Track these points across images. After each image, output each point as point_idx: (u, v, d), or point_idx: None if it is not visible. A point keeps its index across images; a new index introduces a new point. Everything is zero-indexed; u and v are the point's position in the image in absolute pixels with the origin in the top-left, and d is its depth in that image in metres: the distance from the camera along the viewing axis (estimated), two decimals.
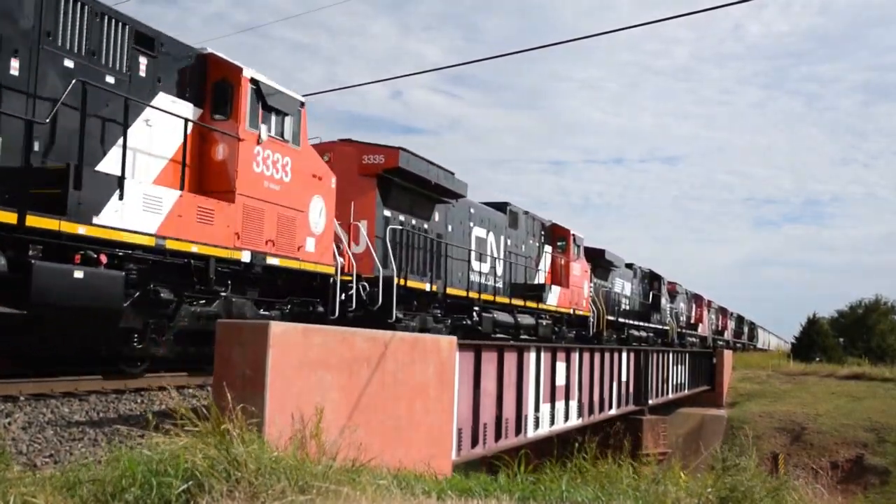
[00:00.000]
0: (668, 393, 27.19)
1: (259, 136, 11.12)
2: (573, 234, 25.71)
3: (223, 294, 10.54)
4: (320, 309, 12.45)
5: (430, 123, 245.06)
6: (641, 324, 34.90)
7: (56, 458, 6.53)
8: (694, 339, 46.31)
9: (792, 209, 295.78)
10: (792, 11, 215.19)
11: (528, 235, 23.28)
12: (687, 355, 31.68)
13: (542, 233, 24.45)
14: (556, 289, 23.86)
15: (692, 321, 48.67)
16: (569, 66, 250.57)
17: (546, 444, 15.74)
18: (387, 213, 15.36)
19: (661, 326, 38.22)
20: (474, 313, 18.17)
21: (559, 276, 24.95)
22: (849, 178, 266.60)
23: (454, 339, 10.63)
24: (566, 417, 16.97)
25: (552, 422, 16.14)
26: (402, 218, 15.83)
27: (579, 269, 26.27)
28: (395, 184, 15.49)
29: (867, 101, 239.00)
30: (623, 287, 34.01)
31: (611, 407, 20.43)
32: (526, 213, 23.14)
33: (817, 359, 47.16)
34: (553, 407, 16.16)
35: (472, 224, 19.32)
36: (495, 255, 20.56)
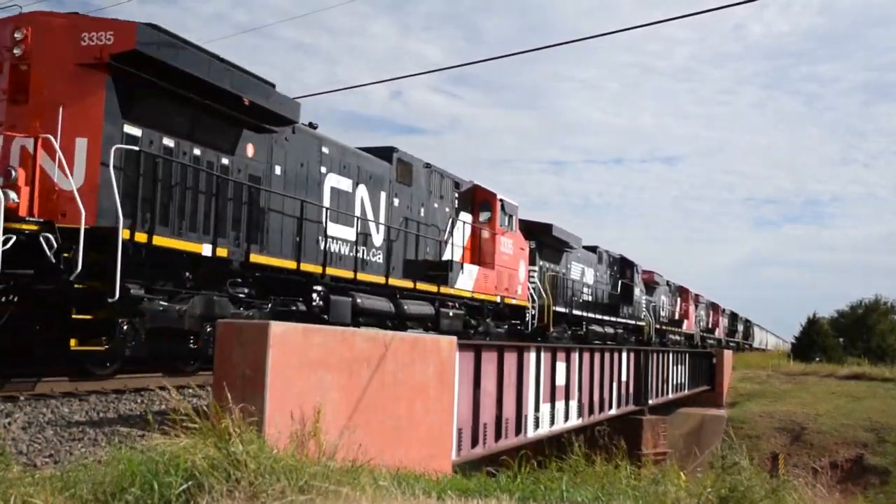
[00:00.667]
0: (668, 393, 27.19)
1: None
2: (501, 199, 20.19)
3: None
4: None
5: (431, 123, 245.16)
6: (607, 318, 29.70)
7: (56, 458, 6.53)
8: (678, 338, 42.40)
9: (792, 209, 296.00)
10: (792, 11, 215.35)
11: (433, 197, 17.86)
12: (687, 355, 31.66)
13: (456, 195, 18.95)
14: (472, 269, 18.66)
15: (676, 317, 44.20)
16: (569, 67, 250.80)
17: (546, 444, 15.75)
18: (131, 129, 9.85)
19: (633, 322, 33.21)
20: (315, 295, 13.02)
21: (479, 252, 19.59)
22: (849, 178, 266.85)
23: (454, 339, 10.63)
24: (566, 417, 16.97)
25: (552, 422, 16.14)
26: (169, 142, 10.43)
27: (512, 245, 20.91)
28: (149, 84, 10.01)
29: (867, 101, 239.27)
30: (583, 273, 28.27)
31: (611, 407, 20.44)
32: (428, 165, 17.66)
33: (817, 359, 47.16)
34: (553, 407, 16.16)
35: (323, 169, 13.79)
36: (370, 217, 15.17)
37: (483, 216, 20.10)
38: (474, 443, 12.27)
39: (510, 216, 20.96)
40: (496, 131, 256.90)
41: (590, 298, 28.93)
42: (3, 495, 4.69)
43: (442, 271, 17.09)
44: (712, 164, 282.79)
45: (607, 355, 20.23)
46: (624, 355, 21.75)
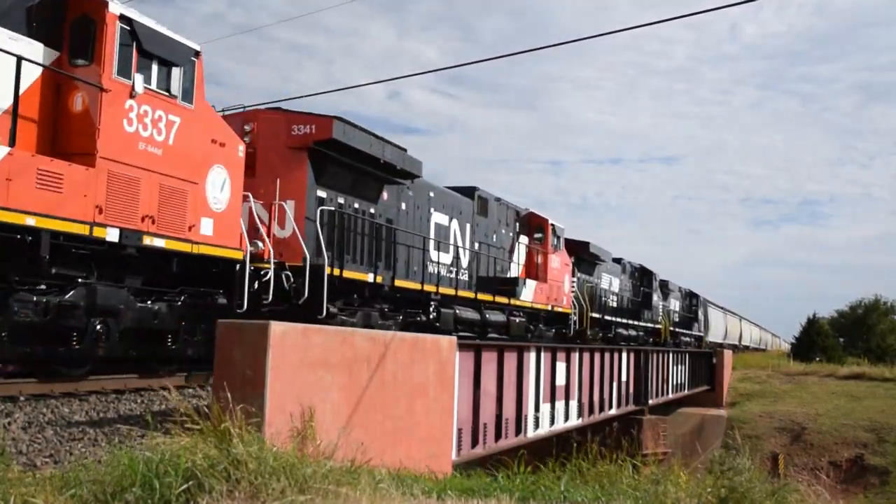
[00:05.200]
0: (668, 393, 27.21)
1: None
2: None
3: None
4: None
5: (429, 124, 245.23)
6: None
7: (56, 458, 6.53)
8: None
9: (789, 209, 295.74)
10: (788, 12, 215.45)
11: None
12: (687, 355, 31.69)
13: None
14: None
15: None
16: (566, 67, 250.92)
17: (546, 443, 15.75)
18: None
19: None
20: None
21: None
22: (846, 178, 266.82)
23: (454, 339, 10.63)
24: (566, 417, 16.98)
25: (552, 422, 16.15)
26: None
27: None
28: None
29: (864, 101, 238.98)
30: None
31: (611, 407, 20.44)
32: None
33: (817, 359, 47.12)
34: (553, 407, 16.16)
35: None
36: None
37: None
38: (474, 443, 12.27)
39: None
40: (494, 131, 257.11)
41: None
42: (3, 495, 4.69)
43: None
44: (710, 164, 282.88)
45: (607, 355, 20.23)
46: (624, 355, 21.76)
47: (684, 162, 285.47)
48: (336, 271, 12.70)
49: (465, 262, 18.66)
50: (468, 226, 19.08)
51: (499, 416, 13.34)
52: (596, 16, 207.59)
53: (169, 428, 5.69)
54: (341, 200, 13.71)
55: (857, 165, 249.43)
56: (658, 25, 10.55)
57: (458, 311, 17.08)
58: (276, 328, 6.77)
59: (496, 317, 19.11)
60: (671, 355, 28.28)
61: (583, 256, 27.67)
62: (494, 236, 20.69)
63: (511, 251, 21.77)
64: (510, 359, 13.89)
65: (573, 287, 25.68)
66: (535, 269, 22.84)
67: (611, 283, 31.81)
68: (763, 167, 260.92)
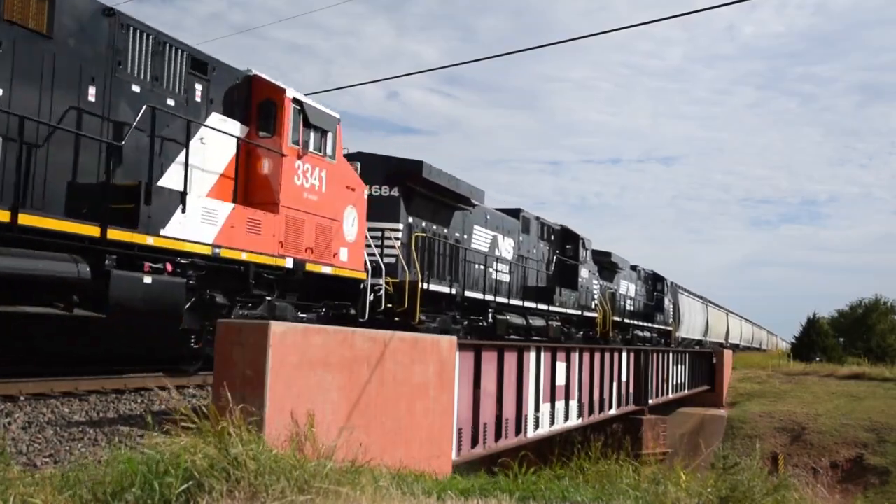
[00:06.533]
0: (668, 393, 27.20)
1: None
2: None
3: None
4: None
5: (427, 124, 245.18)
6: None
7: (56, 458, 6.52)
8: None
9: (789, 209, 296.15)
10: (787, 12, 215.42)
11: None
12: (687, 355, 31.70)
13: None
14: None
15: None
16: (564, 67, 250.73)
17: (548, 443, 15.75)
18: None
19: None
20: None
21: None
22: (845, 178, 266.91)
23: (454, 338, 10.63)
24: (566, 417, 16.97)
25: (552, 422, 16.14)
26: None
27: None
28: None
29: (863, 101, 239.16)
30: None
31: (611, 407, 20.43)
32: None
33: (817, 359, 47.12)
34: (553, 407, 16.15)
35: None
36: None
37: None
38: (474, 443, 12.26)
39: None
40: (493, 131, 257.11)
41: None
42: (3, 495, 4.68)
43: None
44: (709, 164, 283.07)
45: (607, 355, 20.21)
46: (624, 355, 21.75)
47: (683, 162, 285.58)
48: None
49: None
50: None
51: (499, 417, 13.33)
52: (593, 16, 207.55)
53: (168, 429, 5.68)
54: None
55: (857, 165, 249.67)
56: (655, 25, 10.56)
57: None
58: (276, 328, 6.76)
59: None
60: (671, 355, 28.29)
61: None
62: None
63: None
64: (510, 359, 13.88)
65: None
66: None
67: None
68: (762, 167, 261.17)
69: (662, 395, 26.21)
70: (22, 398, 8.22)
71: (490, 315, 18.93)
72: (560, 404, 16.54)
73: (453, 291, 16.91)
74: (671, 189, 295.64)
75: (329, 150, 12.49)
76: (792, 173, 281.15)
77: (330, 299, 12.70)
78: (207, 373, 10.17)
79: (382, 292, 13.78)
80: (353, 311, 12.99)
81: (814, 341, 51.92)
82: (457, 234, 18.24)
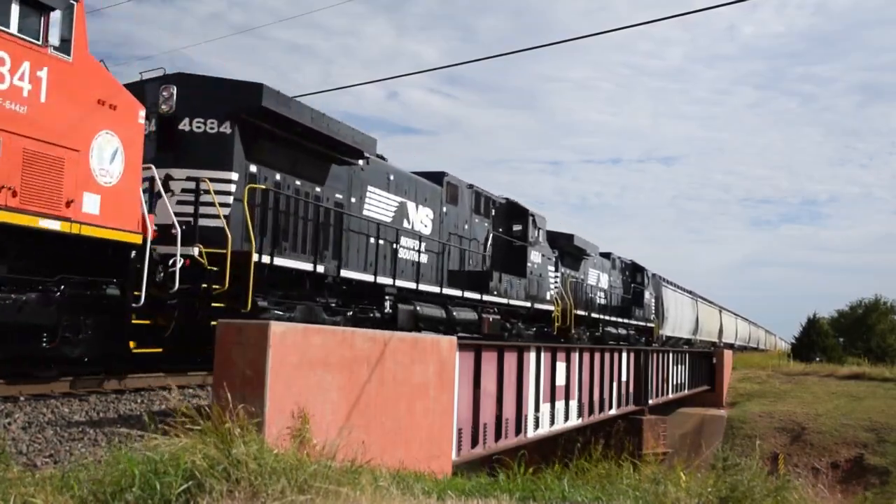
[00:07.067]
0: (668, 393, 27.20)
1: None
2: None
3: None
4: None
5: (428, 124, 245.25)
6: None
7: (56, 458, 6.52)
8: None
9: (789, 209, 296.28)
10: (787, 12, 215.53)
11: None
12: (687, 355, 31.70)
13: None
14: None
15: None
16: (564, 67, 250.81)
17: (548, 443, 15.76)
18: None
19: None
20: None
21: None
22: (845, 178, 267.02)
23: (454, 339, 10.63)
24: (566, 417, 16.97)
25: (552, 422, 16.14)
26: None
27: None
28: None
29: (863, 101, 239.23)
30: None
31: (611, 407, 20.43)
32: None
33: (817, 359, 47.13)
34: (553, 407, 16.15)
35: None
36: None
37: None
38: (474, 443, 12.27)
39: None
40: (493, 131, 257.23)
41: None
42: (3, 495, 4.68)
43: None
44: (709, 164, 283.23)
45: (607, 355, 20.22)
46: (624, 355, 21.75)
47: (684, 162, 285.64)
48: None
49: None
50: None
51: (499, 417, 13.33)
52: (593, 17, 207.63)
53: (168, 429, 5.68)
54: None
55: (858, 165, 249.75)
56: (655, 25, 10.56)
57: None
58: (276, 328, 6.77)
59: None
60: (671, 355, 28.29)
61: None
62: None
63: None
64: (510, 359, 13.88)
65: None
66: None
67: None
68: (763, 167, 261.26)
69: (662, 395, 26.21)
70: (22, 398, 8.22)
71: (388, 304, 14.65)
72: (560, 404, 16.54)
73: (320, 270, 12.49)
74: (671, 189, 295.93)
75: (54, 38, 8.16)
76: (792, 173, 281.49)
77: (75, 272, 8.75)
78: (207, 373, 10.16)
79: (178, 265, 9.95)
80: (114, 291, 9.16)
81: (814, 341, 51.95)
82: (338, 196, 13.67)
